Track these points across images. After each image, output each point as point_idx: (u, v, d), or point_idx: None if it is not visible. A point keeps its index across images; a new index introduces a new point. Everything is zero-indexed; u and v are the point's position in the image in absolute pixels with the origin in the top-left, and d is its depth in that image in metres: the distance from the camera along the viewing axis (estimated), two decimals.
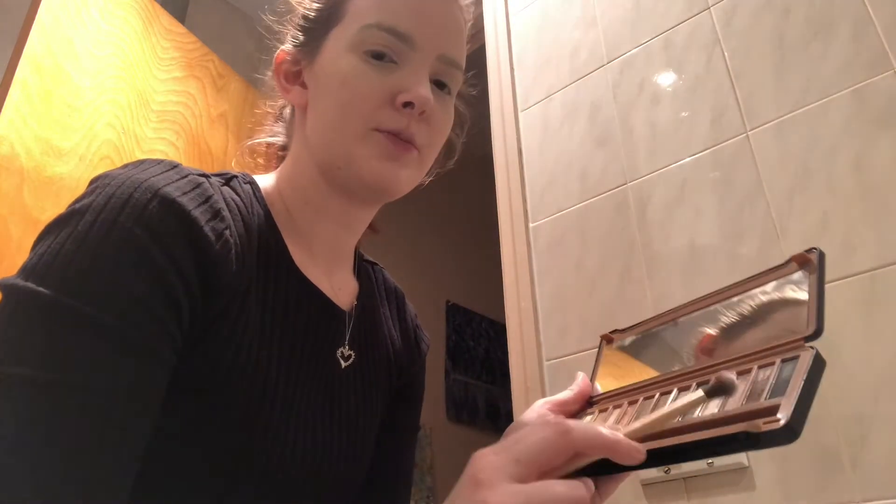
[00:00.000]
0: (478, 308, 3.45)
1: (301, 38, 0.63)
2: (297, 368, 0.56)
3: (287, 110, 0.70)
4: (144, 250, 0.44)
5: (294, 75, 0.63)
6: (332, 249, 0.64)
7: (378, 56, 0.57)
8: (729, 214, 1.08)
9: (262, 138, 0.71)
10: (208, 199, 0.50)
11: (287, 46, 0.64)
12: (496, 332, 3.46)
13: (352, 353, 0.62)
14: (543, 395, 1.18)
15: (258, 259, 0.55)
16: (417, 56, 0.58)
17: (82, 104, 1.53)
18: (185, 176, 0.50)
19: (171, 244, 0.45)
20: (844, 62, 1.03)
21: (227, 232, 0.50)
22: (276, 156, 0.70)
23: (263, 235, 0.57)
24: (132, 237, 0.44)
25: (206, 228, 0.48)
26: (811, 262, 0.39)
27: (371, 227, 0.69)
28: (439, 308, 3.28)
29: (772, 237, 1.02)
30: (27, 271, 0.43)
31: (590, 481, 0.37)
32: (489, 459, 0.37)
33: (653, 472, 1.01)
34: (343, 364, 0.61)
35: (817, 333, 0.35)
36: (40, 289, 0.41)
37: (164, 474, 0.48)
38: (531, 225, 1.34)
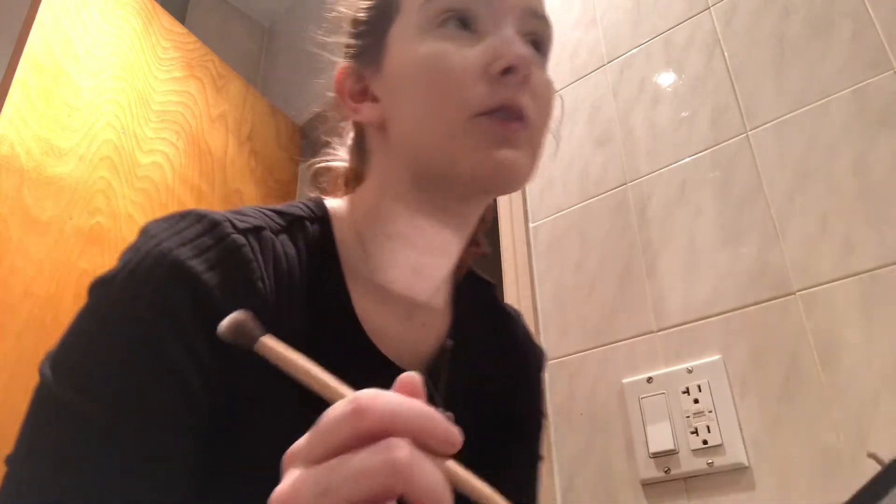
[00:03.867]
0: None
1: (358, 46, 0.55)
2: None
3: (349, 134, 0.61)
4: (152, 340, 0.41)
5: (360, 92, 0.55)
6: (420, 280, 0.55)
7: (454, 23, 0.49)
8: (729, 214, 1.08)
9: (326, 161, 0.62)
10: (240, 261, 0.45)
11: (343, 62, 0.56)
12: None
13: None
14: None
15: (313, 311, 0.49)
16: (497, 15, 0.50)
17: (82, 104, 1.53)
18: (222, 240, 0.45)
19: (180, 324, 0.42)
20: (844, 62, 1.03)
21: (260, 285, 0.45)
22: (344, 184, 0.62)
23: (323, 284, 0.50)
24: (140, 325, 0.41)
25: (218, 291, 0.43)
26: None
27: (477, 243, 0.60)
28: None
29: (772, 237, 1.02)
30: (52, 356, 0.42)
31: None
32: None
33: (653, 472, 1.01)
34: None
35: None
36: (51, 380, 0.40)
37: None
38: (531, 225, 1.34)
